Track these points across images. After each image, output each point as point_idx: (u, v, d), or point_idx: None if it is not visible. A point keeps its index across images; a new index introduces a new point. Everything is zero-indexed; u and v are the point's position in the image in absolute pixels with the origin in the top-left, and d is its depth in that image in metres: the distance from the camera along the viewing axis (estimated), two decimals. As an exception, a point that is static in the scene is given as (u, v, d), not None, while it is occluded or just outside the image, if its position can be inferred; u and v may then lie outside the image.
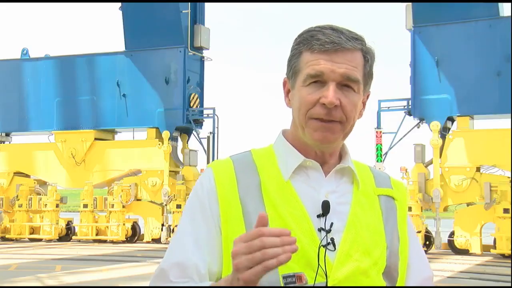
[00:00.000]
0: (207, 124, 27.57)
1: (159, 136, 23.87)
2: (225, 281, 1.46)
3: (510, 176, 19.35)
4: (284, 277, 1.50)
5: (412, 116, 21.08)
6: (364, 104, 1.67)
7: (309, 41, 1.60)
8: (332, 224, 1.58)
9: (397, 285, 1.66)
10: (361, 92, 1.62)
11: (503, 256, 18.53)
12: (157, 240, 22.93)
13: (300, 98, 1.60)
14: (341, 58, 1.57)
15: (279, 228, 1.34)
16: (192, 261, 1.57)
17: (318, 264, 1.53)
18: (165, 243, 22.24)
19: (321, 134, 1.58)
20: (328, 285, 1.54)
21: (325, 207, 1.58)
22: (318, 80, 1.58)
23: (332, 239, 1.57)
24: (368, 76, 1.64)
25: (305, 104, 1.59)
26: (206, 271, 1.57)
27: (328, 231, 1.57)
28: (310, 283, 1.52)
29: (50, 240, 23.88)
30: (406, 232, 1.71)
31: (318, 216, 1.58)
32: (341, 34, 1.58)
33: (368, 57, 1.62)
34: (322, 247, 1.55)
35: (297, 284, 1.49)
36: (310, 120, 1.58)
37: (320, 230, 1.57)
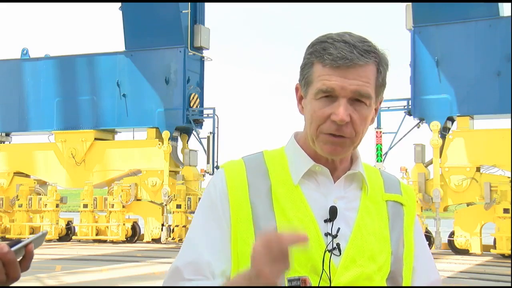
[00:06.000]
0: (207, 124, 27.57)
1: (159, 136, 23.87)
2: (243, 277, 1.44)
3: (510, 176, 19.35)
4: (289, 280, 1.53)
5: (412, 116, 21.07)
6: (376, 110, 1.65)
7: (321, 54, 1.56)
8: (339, 229, 1.59)
9: None
10: (373, 104, 1.61)
11: (503, 256, 18.52)
12: (157, 240, 22.90)
13: (311, 112, 1.59)
14: (353, 74, 1.54)
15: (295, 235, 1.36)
16: (205, 259, 1.59)
17: (323, 268, 1.55)
18: (165, 243, 22.26)
19: (330, 147, 1.59)
20: None
21: (332, 213, 1.60)
22: (329, 95, 1.56)
23: (338, 244, 1.58)
24: (380, 86, 1.61)
25: (316, 119, 1.58)
26: (219, 270, 1.59)
27: (335, 236, 1.58)
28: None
29: (50, 240, 23.86)
30: (412, 238, 1.71)
31: (326, 221, 1.60)
32: (353, 49, 1.54)
33: (381, 68, 1.59)
34: (327, 251, 1.57)
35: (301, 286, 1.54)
36: (321, 135, 1.58)
37: (326, 235, 1.59)
